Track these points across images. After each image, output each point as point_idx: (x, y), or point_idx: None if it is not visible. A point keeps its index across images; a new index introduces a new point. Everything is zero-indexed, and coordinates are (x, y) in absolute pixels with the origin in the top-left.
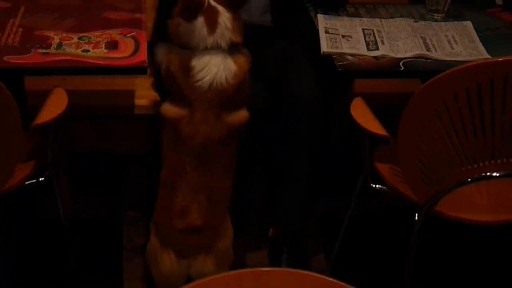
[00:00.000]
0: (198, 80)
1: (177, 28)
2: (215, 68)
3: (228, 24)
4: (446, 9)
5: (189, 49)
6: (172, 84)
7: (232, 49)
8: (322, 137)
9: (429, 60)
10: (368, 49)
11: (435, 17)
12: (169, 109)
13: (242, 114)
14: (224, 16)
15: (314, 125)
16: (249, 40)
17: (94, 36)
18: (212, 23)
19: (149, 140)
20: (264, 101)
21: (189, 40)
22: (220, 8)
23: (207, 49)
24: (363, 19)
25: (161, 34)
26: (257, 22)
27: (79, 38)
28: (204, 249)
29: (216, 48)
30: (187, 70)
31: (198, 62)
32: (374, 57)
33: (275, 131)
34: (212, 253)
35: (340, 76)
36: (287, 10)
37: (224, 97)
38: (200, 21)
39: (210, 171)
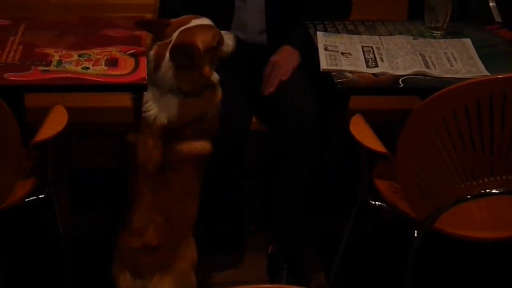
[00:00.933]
0: (145, 112)
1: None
2: (156, 106)
3: (170, 71)
4: (445, 26)
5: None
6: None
7: (177, 93)
8: (319, 155)
9: (428, 77)
10: (368, 66)
11: (434, 34)
12: (131, 136)
13: (197, 145)
14: (166, 62)
15: (312, 143)
16: (245, 58)
17: (94, 54)
18: (157, 62)
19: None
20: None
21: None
22: (165, 57)
23: (153, 84)
24: (362, 36)
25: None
26: (253, 42)
27: (79, 56)
28: (160, 269)
29: (162, 87)
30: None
31: (147, 96)
32: (374, 74)
33: (271, 148)
34: (168, 274)
35: (338, 93)
36: (283, 30)
37: (170, 130)
38: (152, 53)
39: (166, 193)
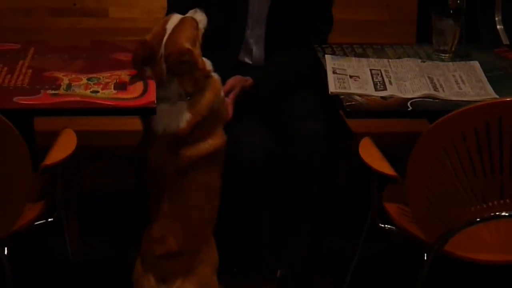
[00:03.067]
0: (154, 127)
1: (161, 75)
2: (166, 118)
3: (173, 81)
4: (453, 49)
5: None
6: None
7: (185, 97)
8: (330, 177)
9: (436, 100)
10: (376, 89)
11: (442, 57)
12: (144, 147)
13: (202, 147)
14: (167, 76)
15: (321, 166)
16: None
17: (103, 77)
18: (159, 79)
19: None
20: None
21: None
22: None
23: (161, 100)
24: (370, 59)
25: None
26: (258, 66)
27: (88, 79)
28: (182, 273)
29: (167, 99)
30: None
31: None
32: (382, 97)
33: (280, 170)
34: (191, 278)
35: (347, 117)
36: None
37: (179, 138)
38: (149, 73)
39: (182, 201)
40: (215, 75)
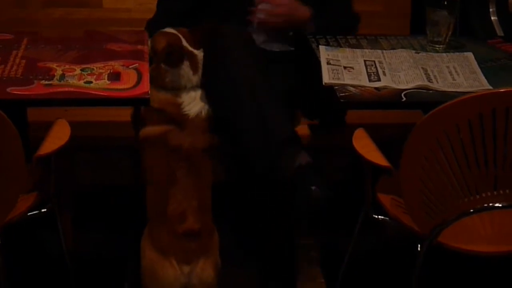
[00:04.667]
0: (187, 111)
1: (163, 73)
2: (201, 102)
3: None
4: (447, 40)
5: (174, 89)
6: (154, 114)
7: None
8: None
9: (430, 91)
10: (370, 80)
11: (437, 48)
12: (152, 129)
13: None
14: (200, 58)
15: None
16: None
17: (96, 68)
18: (194, 65)
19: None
20: None
21: (176, 82)
22: (196, 52)
23: (193, 87)
24: (364, 50)
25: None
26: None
27: (82, 70)
28: (204, 253)
29: (199, 85)
30: (176, 104)
31: (186, 98)
32: (376, 88)
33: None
34: (210, 257)
35: (340, 108)
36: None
37: (208, 120)
38: (186, 65)
39: (198, 179)
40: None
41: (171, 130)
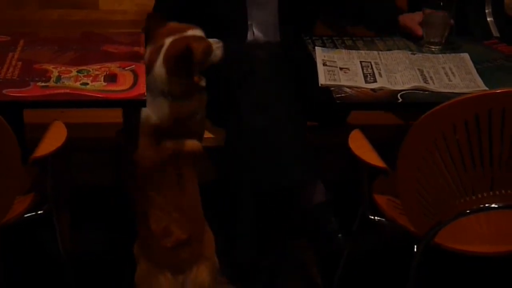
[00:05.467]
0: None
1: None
2: (148, 108)
3: (162, 75)
4: (443, 41)
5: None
6: None
7: (168, 96)
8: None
9: (426, 92)
10: (366, 82)
11: (433, 49)
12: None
13: (188, 143)
14: (159, 66)
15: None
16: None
17: (93, 69)
18: (150, 65)
19: None
20: None
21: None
22: (158, 62)
23: (147, 89)
24: (360, 51)
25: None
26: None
27: (78, 71)
28: (196, 260)
29: (153, 90)
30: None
31: None
32: (372, 89)
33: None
34: (203, 262)
35: (337, 109)
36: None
37: (162, 129)
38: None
39: (173, 191)
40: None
41: (131, 145)
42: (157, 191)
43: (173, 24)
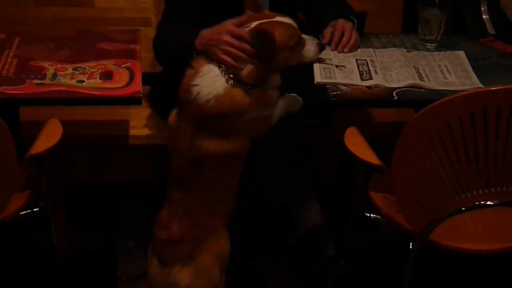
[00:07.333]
0: (193, 85)
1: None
2: (203, 80)
3: None
4: (439, 39)
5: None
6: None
7: (230, 80)
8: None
9: (422, 90)
10: (362, 79)
11: (428, 47)
12: (172, 117)
13: (216, 145)
14: None
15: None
16: None
17: (88, 67)
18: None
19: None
20: None
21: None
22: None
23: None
24: None
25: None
26: None
27: (74, 69)
28: (182, 260)
29: (216, 72)
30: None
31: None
32: (368, 86)
33: None
34: (190, 265)
35: (332, 106)
36: None
37: (203, 115)
38: None
39: (189, 188)
40: (271, 95)
41: (172, 127)
42: (176, 188)
43: (263, 13)
